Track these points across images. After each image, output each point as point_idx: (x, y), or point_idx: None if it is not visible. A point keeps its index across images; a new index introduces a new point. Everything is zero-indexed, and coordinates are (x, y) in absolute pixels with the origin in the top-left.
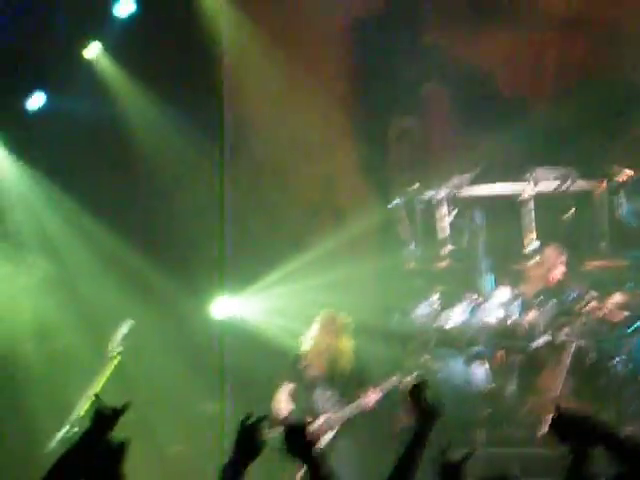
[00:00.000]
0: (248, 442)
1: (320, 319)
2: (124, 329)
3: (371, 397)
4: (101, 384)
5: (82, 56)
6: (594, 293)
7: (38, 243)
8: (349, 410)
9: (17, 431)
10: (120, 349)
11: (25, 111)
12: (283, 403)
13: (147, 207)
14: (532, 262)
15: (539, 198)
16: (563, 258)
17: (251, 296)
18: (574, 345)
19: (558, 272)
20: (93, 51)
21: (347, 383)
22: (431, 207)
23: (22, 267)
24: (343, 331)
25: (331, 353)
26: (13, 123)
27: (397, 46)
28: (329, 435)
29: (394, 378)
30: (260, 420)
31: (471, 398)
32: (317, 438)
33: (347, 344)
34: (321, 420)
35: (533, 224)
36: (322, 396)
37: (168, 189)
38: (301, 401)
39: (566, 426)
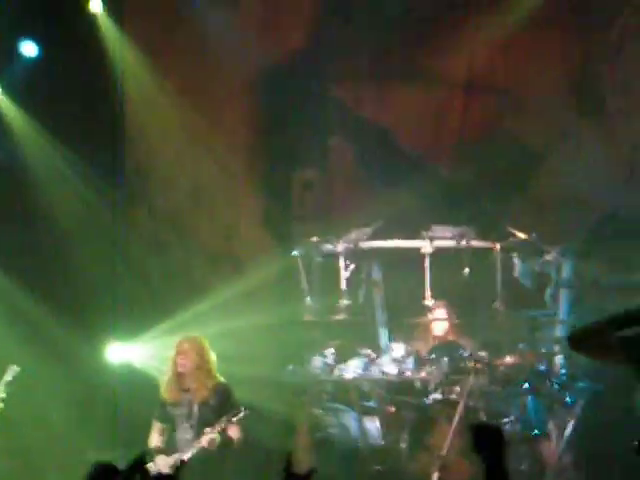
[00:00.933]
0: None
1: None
2: (8, 375)
3: (208, 436)
4: None
5: None
6: (483, 353)
7: None
8: (190, 450)
9: None
10: (2, 395)
11: None
12: (152, 442)
13: (43, 252)
14: (424, 318)
15: (435, 255)
16: (452, 315)
17: (145, 343)
18: (463, 404)
19: (446, 329)
20: None
21: (206, 414)
22: (330, 259)
23: None
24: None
25: (180, 378)
26: None
27: (302, 98)
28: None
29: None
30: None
31: (362, 453)
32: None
33: (198, 363)
34: (165, 460)
35: (430, 280)
36: (182, 431)
37: (66, 234)
38: (168, 438)
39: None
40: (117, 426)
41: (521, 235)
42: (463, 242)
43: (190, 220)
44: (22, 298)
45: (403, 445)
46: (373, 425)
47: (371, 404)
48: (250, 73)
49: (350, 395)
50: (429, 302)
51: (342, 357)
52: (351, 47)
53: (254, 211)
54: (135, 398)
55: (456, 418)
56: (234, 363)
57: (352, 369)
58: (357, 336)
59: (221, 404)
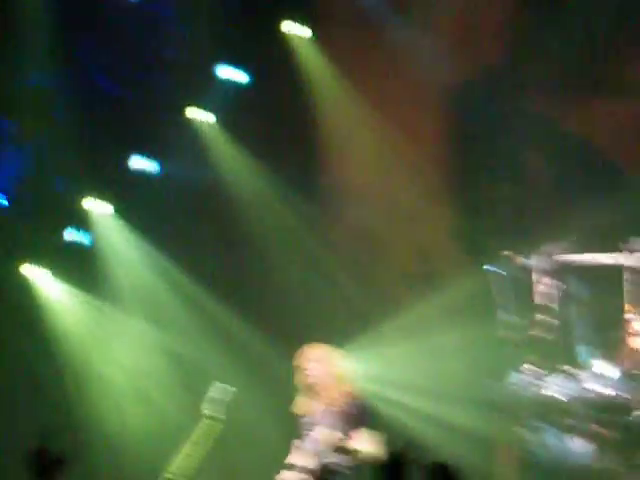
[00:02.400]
0: None
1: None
2: (216, 393)
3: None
4: (196, 447)
5: (188, 120)
6: None
7: (140, 304)
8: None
9: None
10: (218, 415)
11: (129, 171)
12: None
13: (245, 270)
14: (627, 333)
15: (636, 269)
16: None
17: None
18: None
19: None
20: (200, 115)
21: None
22: (525, 274)
23: (122, 327)
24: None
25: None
26: (116, 182)
27: (498, 111)
28: None
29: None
30: None
31: (569, 473)
32: None
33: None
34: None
35: (630, 294)
36: (305, 440)
37: (267, 253)
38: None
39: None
40: None
41: None
42: None
43: (384, 236)
44: (224, 315)
45: (610, 464)
46: (577, 444)
47: (573, 422)
48: (446, 87)
49: (551, 412)
50: (630, 316)
51: (540, 374)
52: (548, 62)
53: (447, 226)
54: None
55: None
56: (428, 379)
57: (552, 385)
58: (554, 352)
59: (351, 415)
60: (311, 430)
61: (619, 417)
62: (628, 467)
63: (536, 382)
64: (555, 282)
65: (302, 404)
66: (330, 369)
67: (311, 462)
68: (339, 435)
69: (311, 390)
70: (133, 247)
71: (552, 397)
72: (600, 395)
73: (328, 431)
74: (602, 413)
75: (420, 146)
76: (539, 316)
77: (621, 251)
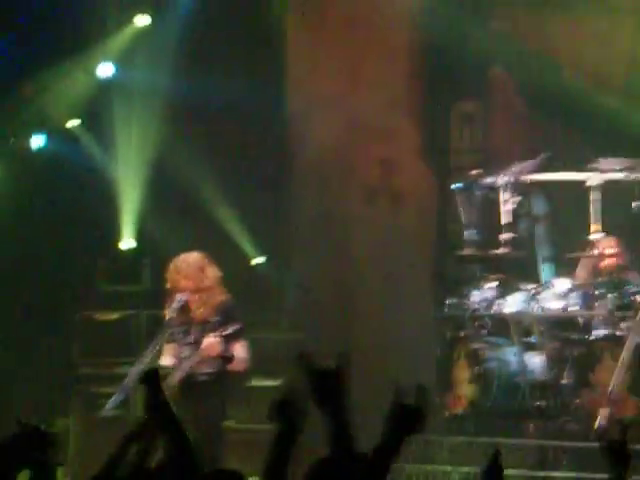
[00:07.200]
0: None
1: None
2: None
3: (207, 340)
4: None
5: None
6: None
7: None
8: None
9: None
10: None
11: None
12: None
13: None
14: (590, 253)
15: (605, 187)
16: (617, 249)
17: None
18: (635, 340)
19: (613, 264)
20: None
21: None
22: (492, 193)
23: None
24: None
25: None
26: None
27: (463, 30)
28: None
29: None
30: None
31: (524, 388)
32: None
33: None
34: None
35: (598, 214)
36: (182, 351)
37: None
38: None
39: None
40: None
41: None
42: (634, 175)
43: (349, 152)
44: None
45: (565, 381)
46: (535, 361)
47: (532, 340)
48: (411, 5)
49: (510, 330)
50: (595, 236)
51: (503, 292)
52: None
53: (414, 144)
54: None
55: (626, 354)
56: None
57: (512, 304)
58: (518, 271)
59: (222, 321)
60: (183, 339)
61: (578, 335)
62: (584, 384)
63: (498, 300)
64: (522, 201)
65: (174, 313)
66: (202, 280)
67: (180, 368)
68: (212, 343)
69: (184, 301)
70: None
71: (513, 315)
72: (560, 313)
73: (201, 339)
74: (562, 331)
75: (388, 63)
76: (504, 235)
77: (590, 170)
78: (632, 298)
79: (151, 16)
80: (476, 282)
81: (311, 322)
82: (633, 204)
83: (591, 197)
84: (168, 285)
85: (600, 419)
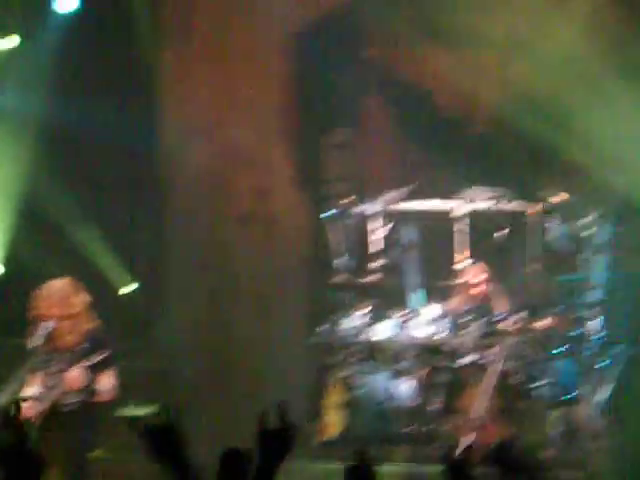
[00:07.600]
0: None
1: None
2: None
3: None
4: None
5: None
6: (523, 314)
7: None
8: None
9: None
10: None
11: None
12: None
13: None
14: (459, 280)
15: (473, 216)
16: (485, 276)
17: None
18: (499, 367)
19: (481, 292)
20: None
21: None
22: (364, 220)
23: None
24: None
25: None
26: None
27: (335, 59)
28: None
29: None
30: None
31: (394, 414)
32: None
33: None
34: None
35: (466, 242)
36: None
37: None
38: None
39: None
40: None
41: (563, 195)
42: (502, 203)
43: (224, 178)
44: None
45: (434, 407)
46: (404, 387)
47: (401, 366)
48: (282, 35)
49: (380, 357)
50: (463, 264)
51: (373, 319)
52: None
53: (287, 172)
54: None
55: (492, 380)
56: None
57: (382, 331)
58: (391, 297)
59: (89, 349)
60: (49, 368)
61: (446, 362)
62: (451, 410)
63: (368, 327)
64: (390, 229)
65: (40, 341)
66: (68, 307)
67: (45, 398)
68: (77, 374)
69: (50, 328)
70: None
71: (382, 342)
72: (428, 340)
73: (67, 370)
74: (430, 358)
75: (260, 94)
76: (374, 263)
77: (459, 199)
78: (497, 326)
79: (20, 37)
80: (347, 309)
81: (182, 349)
82: (500, 233)
83: (455, 227)
84: (33, 313)
85: (461, 445)
